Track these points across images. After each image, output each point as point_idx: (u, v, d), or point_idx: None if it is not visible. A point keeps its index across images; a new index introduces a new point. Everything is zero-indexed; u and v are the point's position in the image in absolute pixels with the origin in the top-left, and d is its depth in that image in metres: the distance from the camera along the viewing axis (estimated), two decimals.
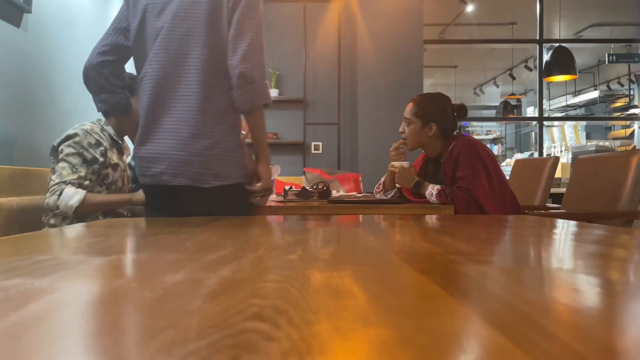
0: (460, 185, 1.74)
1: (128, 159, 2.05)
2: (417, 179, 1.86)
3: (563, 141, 9.24)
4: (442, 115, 1.92)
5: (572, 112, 10.34)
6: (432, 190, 1.79)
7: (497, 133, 11.39)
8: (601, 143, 7.41)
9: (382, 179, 2.10)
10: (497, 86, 9.52)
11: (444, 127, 1.92)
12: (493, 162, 1.82)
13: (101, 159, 1.80)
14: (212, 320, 0.31)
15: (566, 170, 4.77)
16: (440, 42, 6.68)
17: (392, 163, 1.96)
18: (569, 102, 10.04)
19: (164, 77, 1.42)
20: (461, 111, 1.98)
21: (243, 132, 1.58)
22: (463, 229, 1.03)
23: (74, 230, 1.03)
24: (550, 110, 10.27)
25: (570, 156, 5.26)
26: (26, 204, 1.77)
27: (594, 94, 9.42)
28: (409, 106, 1.96)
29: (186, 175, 1.40)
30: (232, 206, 1.42)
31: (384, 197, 2.05)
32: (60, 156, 1.76)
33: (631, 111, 9.01)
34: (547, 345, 0.26)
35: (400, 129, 1.98)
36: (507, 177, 3.07)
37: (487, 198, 1.73)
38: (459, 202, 1.72)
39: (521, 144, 11.72)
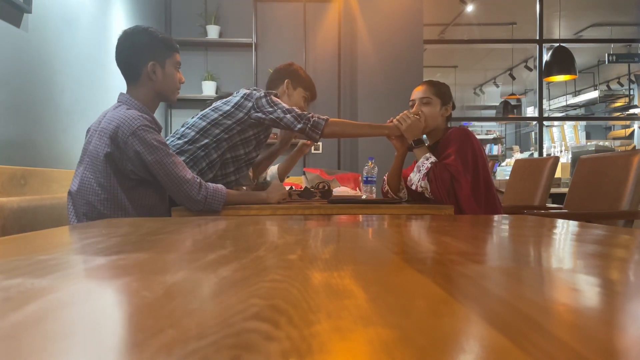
0: (449, 163, 1.72)
1: None
2: (423, 136, 1.87)
3: (563, 141, 9.23)
4: (451, 99, 1.95)
5: (572, 112, 10.33)
6: (425, 162, 1.77)
7: (497, 133, 11.38)
8: (601, 143, 7.40)
9: (385, 177, 2.07)
10: (497, 86, 9.52)
11: (450, 112, 1.95)
12: (482, 158, 1.83)
13: None
14: (212, 320, 0.31)
15: (566, 170, 4.76)
16: (440, 42, 6.68)
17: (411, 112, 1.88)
18: (569, 102, 10.03)
19: None
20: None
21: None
22: (463, 229, 1.03)
23: (74, 230, 1.03)
24: (550, 110, 10.26)
25: (570, 156, 5.26)
26: (26, 204, 1.77)
27: (593, 94, 9.40)
28: (423, 87, 1.92)
29: None
30: None
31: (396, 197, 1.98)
32: None
33: (631, 111, 9.00)
34: (547, 345, 0.26)
35: (413, 110, 1.89)
36: (507, 178, 3.09)
37: (466, 193, 1.72)
38: (442, 182, 1.70)
39: (521, 144, 11.71)
